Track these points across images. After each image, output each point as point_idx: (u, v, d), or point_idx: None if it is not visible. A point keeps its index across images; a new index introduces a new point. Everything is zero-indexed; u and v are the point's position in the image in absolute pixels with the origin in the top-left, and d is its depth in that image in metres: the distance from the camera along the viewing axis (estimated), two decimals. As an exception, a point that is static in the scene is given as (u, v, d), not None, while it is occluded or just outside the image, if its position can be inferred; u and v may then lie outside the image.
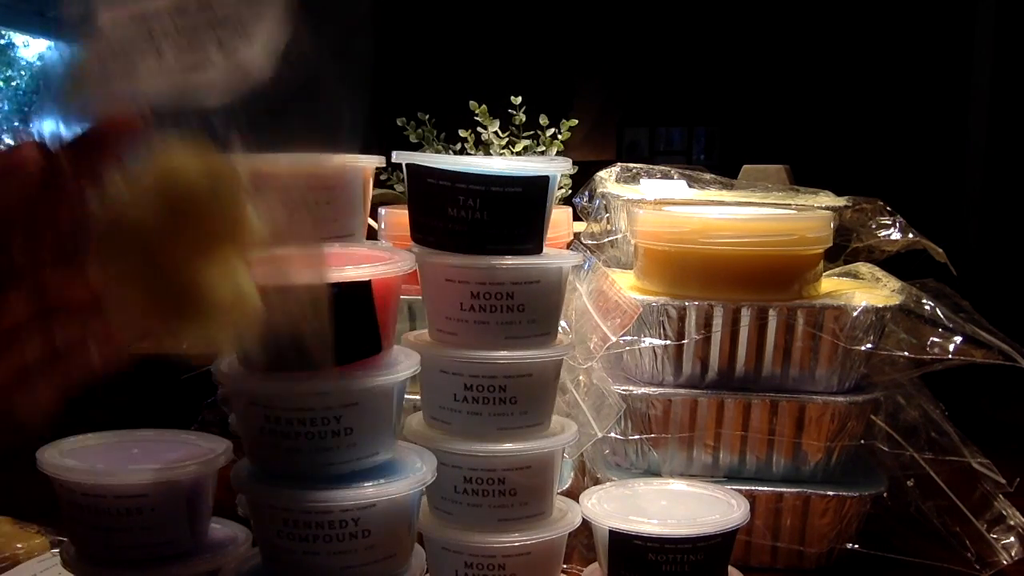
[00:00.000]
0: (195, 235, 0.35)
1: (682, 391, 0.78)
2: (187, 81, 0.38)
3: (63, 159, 0.37)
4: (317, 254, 0.43)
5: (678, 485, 0.72)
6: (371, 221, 0.81)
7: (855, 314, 0.75)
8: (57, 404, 0.39)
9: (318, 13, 0.41)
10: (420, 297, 0.66)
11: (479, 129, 0.91)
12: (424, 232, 0.63)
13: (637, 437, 0.78)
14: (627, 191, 0.87)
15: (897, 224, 0.83)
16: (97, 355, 0.38)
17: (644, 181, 0.90)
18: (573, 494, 0.70)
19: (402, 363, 0.56)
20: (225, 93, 0.38)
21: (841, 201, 0.84)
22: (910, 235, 0.83)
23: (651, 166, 0.92)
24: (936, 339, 0.75)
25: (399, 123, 0.92)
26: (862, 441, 0.78)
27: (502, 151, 0.91)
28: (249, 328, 0.37)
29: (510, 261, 0.61)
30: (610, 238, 0.89)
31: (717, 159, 4.00)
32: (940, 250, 0.82)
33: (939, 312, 0.75)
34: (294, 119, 0.43)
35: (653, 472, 0.79)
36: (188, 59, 0.39)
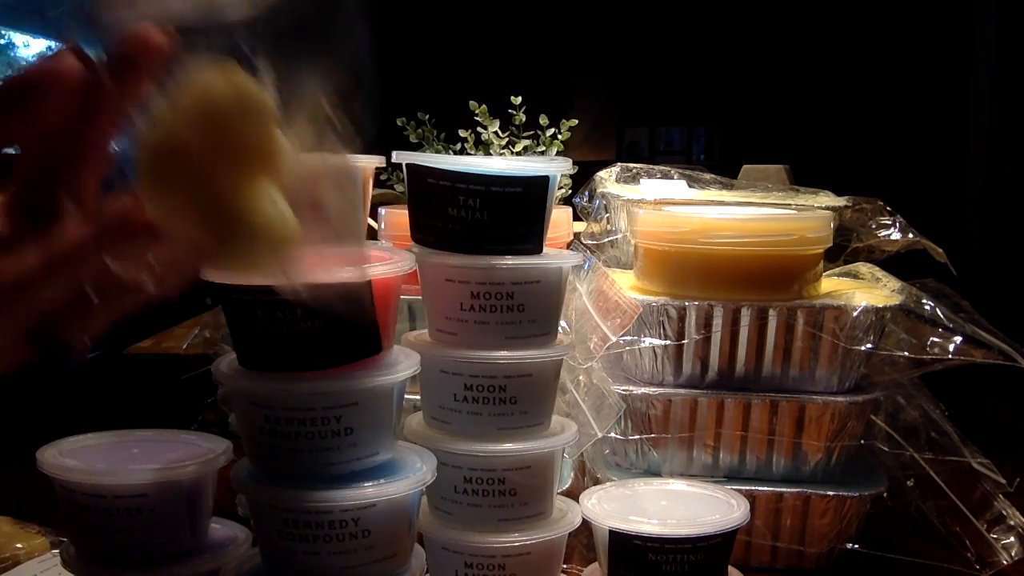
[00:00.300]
0: (233, 155, 0.35)
1: (682, 391, 0.78)
2: None
3: (104, 72, 0.36)
4: (345, 169, 0.41)
5: (678, 485, 0.72)
6: (371, 221, 0.81)
7: (855, 314, 0.75)
8: (106, 328, 0.39)
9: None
10: (420, 297, 0.66)
11: (479, 129, 0.91)
12: (424, 232, 0.63)
13: (637, 437, 0.78)
14: (627, 191, 0.87)
15: (897, 224, 0.83)
16: (149, 281, 0.37)
17: (644, 181, 0.90)
18: (573, 494, 0.70)
19: (402, 363, 0.56)
20: (245, 7, 0.36)
21: (841, 201, 0.84)
22: (910, 235, 0.83)
23: (651, 166, 0.92)
24: (936, 339, 0.75)
25: (399, 123, 0.92)
26: (862, 441, 0.78)
27: (502, 151, 0.91)
28: (288, 250, 0.37)
29: (510, 261, 0.61)
30: (610, 238, 0.89)
31: (717, 159, 4.00)
32: (940, 250, 0.82)
33: (939, 312, 0.75)
34: (313, 39, 0.42)
35: (653, 472, 0.79)
36: None
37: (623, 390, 0.77)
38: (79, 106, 0.35)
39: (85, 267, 0.36)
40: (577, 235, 0.88)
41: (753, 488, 0.75)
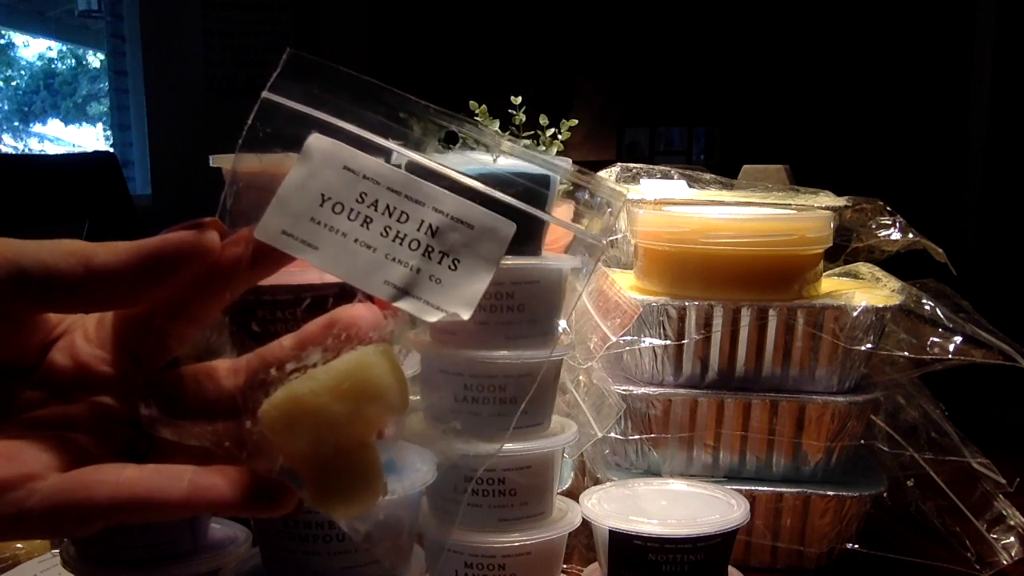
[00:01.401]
0: (359, 429, 0.37)
1: (682, 391, 0.78)
2: (380, 266, 0.37)
3: (246, 255, 0.36)
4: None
5: (678, 485, 0.72)
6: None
7: (855, 314, 0.75)
8: None
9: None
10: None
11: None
12: (424, 232, 0.63)
13: (637, 437, 0.78)
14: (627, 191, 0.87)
15: (897, 224, 0.83)
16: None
17: (644, 181, 0.90)
18: (573, 494, 0.70)
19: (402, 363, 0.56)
20: (419, 309, 0.37)
21: (841, 201, 0.84)
22: (910, 235, 0.83)
23: (651, 166, 0.92)
24: (936, 339, 0.75)
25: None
26: (862, 441, 0.78)
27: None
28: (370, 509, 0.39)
29: (510, 261, 0.61)
30: (610, 238, 0.89)
31: (717, 159, 4.01)
32: (940, 250, 0.82)
33: (939, 312, 0.75)
34: None
35: (653, 472, 0.79)
36: (388, 246, 0.37)
37: (623, 390, 0.77)
38: (206, 275, 0.36)
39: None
40: (577, 235, 0.88)
41: (753, 488, 0.75)
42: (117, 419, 0.37)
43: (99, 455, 0.35)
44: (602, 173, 0.89)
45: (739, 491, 0.70)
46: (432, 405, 0.64)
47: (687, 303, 0.76)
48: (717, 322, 0.76)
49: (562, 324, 0.69)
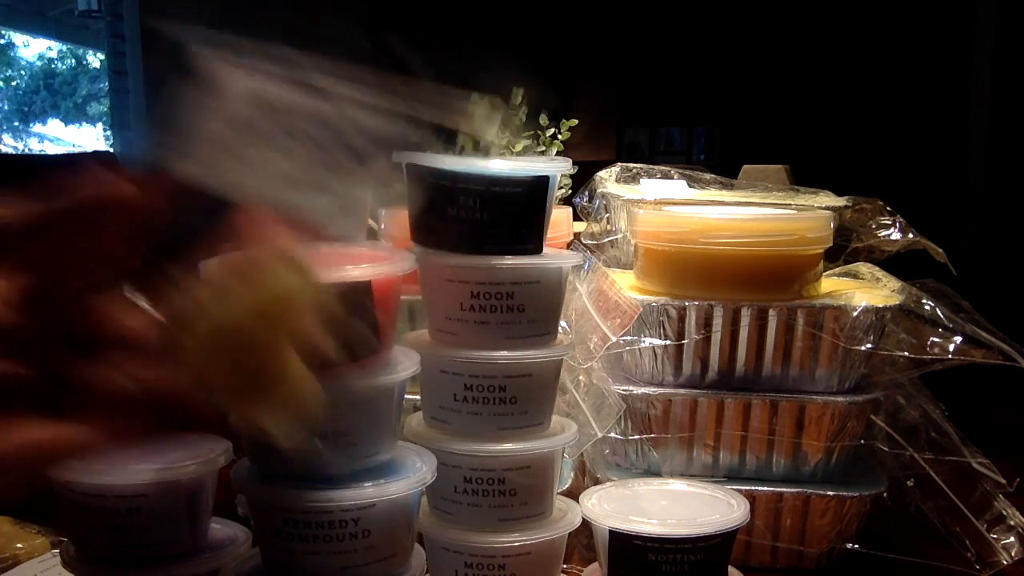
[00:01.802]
0: (281, 335, 0.38)
1: (682, 391, 0.78)
2: (297, 188, 0.39)
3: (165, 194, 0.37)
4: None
5: (678, 485, 0.72)
6: (371, 221, 0.81)
7: (855, 314, 0.75)
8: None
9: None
10: (420, 297, 0.66)
11: (479, 129, 0.91)
12: (424, 232, 0.63)
13: (637, 437, 0.78)
14: (627, 191, 0.87)
15: (897, 224, 0.83)
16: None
17: (644, 181, 0.90)
18: (573, 494, 0.70)
19: (402, 363, 0.56)
20: (333, 214, 0.39)
21: (841, 201, 0.84)
22: (910, 235, 0.83)
23: (651, 166, 0.92)
24: (936, 339, 0.75)
25: (399, 122, 0.92)
26: (862, 441, 0.78)
27: (502, 151, 0.91)
28: (310, 411, 0.40)
29: (510, 261, 0.61)
30: (610, 238, 0.89)
31: (717, 159, 4.01)
32: (940, 250, 0.82)
33: (939, 312, 0.75)
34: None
35: (653, 472, 0.79)
36: (307, 170, 0.39)
37: (623, 390, 0.77)
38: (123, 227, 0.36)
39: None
40: (577, 235, 0.88)
41: (753, 488, 0.75)
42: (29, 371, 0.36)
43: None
44: (602, 173, 0.89)
45: (739, 491, 0.70)
46: (432, 404, 0.64)
47: (687, 303, 0.76)
48: (717, 322, 0.76)
49: (562, 324, 0.69)
